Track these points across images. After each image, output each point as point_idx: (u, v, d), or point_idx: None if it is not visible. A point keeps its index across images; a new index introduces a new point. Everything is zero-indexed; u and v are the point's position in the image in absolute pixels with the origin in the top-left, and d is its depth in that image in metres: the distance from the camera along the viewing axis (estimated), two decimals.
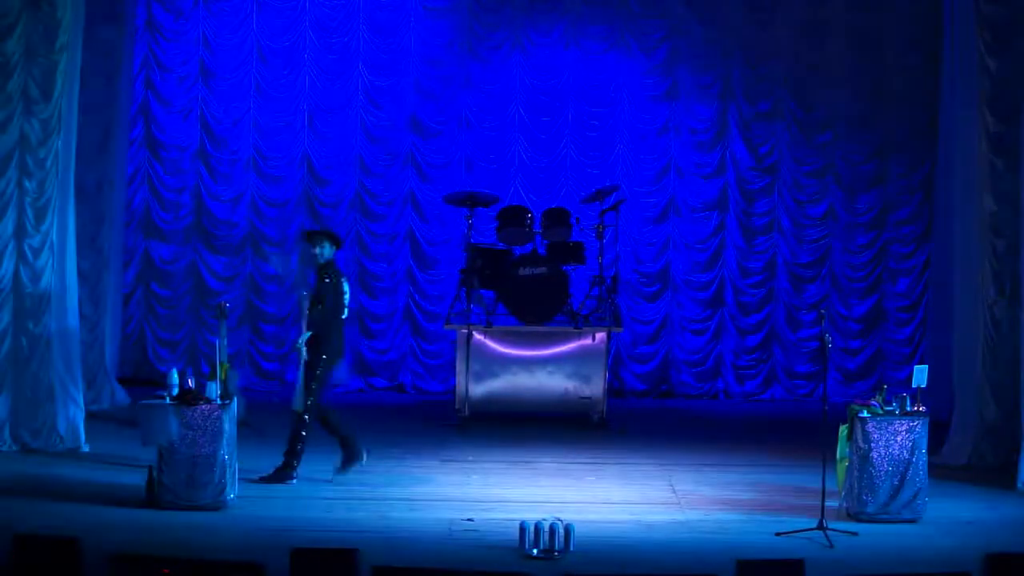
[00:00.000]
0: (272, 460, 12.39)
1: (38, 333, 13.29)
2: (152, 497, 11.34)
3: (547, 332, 15.23)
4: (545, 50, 17.10)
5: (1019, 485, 12.45)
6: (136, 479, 11.67)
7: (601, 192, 15.51)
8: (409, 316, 17.18)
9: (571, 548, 10.19)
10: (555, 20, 17.08)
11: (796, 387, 17.16)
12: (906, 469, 11.30)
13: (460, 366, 15.20)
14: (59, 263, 13.39)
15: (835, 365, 16.92)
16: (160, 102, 17.06)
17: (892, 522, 11.22)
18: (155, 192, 17.10)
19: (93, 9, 14.20)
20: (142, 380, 16.26)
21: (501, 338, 15.24)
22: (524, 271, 15.09)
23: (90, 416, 13.85)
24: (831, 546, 10.58)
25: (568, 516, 10.48)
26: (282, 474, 12.21)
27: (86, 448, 13.32)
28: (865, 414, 11.38)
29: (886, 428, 11.32)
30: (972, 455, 13.44)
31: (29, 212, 13.26)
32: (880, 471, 11.30)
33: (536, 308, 15.13)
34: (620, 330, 15.67)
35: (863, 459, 11.30)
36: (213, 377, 11.57)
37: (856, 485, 11.32)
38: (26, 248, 13.27)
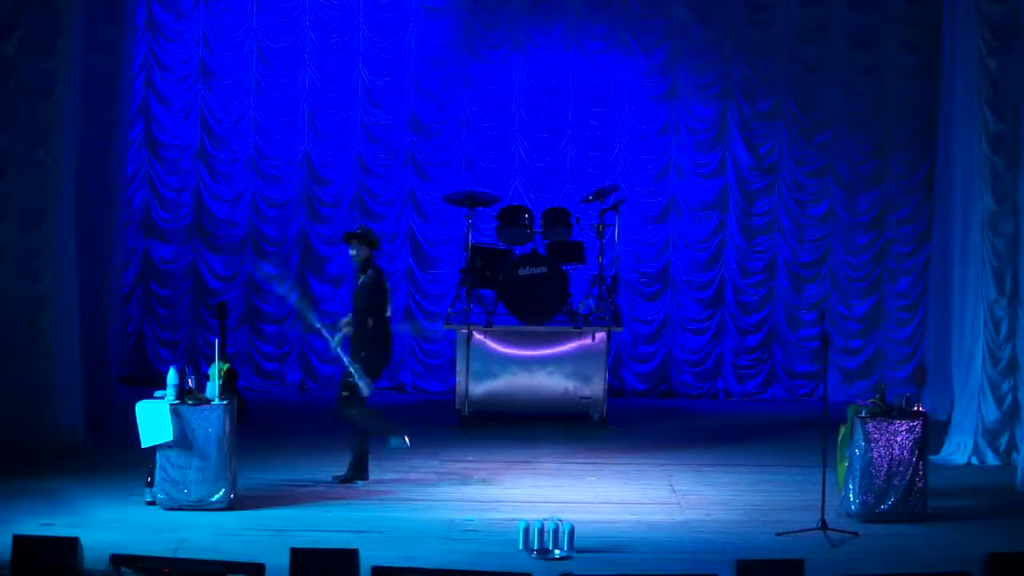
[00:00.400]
0: (272, 460, 12.38)
1: (38, 333, 13.29)
2: (152, 497, 11.33)
3: (547, 332, 15.23)
4: (545, 50, 17.10)
5: (1019, 485, 12.45)
6: (136, 479, 11.66)
7: (601, 192, 15.51)
8: (409, 316, 17.18)
9: (571, 548, 10.19)
10: (555, 20, 17.08)
11: (796, 387, 17.16)
12: (906, 469, 11.30)
13: (460, 366, 15.20)
14: (59, 263, 13.38)
15: (835, 365, 16.91)
16: (160, 102, 17.06)
17: (892, 522, 11.21)
18: (155, 192, 17.11)
19: (93, 9, 14.20)
20: (142, 380, 16.25)
21: (501, 338, 15.24)
22: (524, 271, 15.09)
23: (90, 416, 13.84)
24: (831, 546, 10.58)
25: (568, 516, 10.47)
26: (353, 477, 12.25)
27: (86, 448, 13.32)
28: (865, 414, 11.38)
29: (886, 428, 11.32)
30: (972, 455, 13.44)
31: (29, 212, 13.26)
32: (880, 471, 11.29)
33: (536, 308, 15.13)
34: (620, 330, 15.67)
35: (863, 459, 11.30)
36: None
37: (856, 485, 11.31)
38: (26, 248, 13.27)
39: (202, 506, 11.22)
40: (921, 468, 11.33)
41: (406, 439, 12.38)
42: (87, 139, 14.52)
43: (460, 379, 15.19)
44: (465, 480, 12.61)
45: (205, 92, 17.06)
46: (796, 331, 17.19)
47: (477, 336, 15.16)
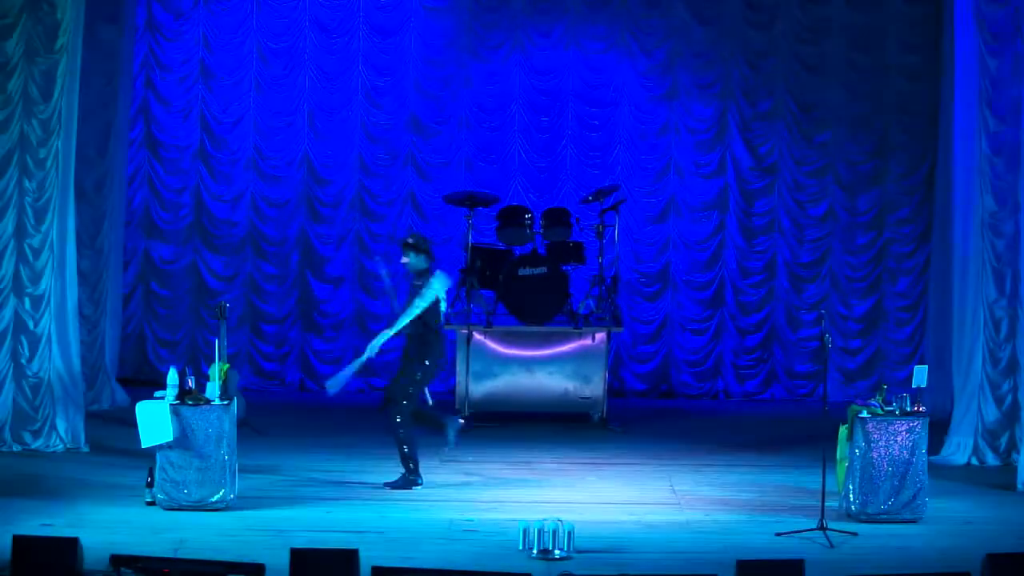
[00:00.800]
0: (272, 460, 12.37)
1: (38, 333, 13.29)
2: (152, 497, 11.33)
3: (547, 332, 15.23)
4: (545, 50, 17.10)
5: (1019, 485, 12.45)
6: (136, 479, 11.67)
7: (601, 192, 15.51)
8: None
9: (571, 548, 10.18)
10: (555, 20, 17.07)
11: (796, 387, 17.16)
12: (906, 469, 11.30)
13: (460, 366, 15.21)
14: (59, 263, 13.38)
15: (835, 365, 16.91)
16: (160, 102, 17.06)
17: (892, 522, 11.21)
18: (155, 192, 17.10)
19: (93, 9, 14.19)
20: (142, 380, 16.24)
21: (501, 338, 15.24)
22: (524, 271, 15.09)
23: (90, 416, 13.85)
24: (831, 546, 10.57)
25: (568, 516, 10.46)
26: (408, 480, 12.18)
27: (86, 448, 13.32)
28: (865, 414, 11.37)
29: (886, 428, 11.32)
30: (972, 455, 13.44)
31: (29, 212, 13.26)
32: (880, 471, 11.29)
33: (536, 308, 15.13)
34: (620, 330, 15.67)
35: (863, 459, 11.30)
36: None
37: (856, 485, 11.31)
38: (26, 248, 13.27)
39: (202, 506, 11.21)
40: (921, 468, 11.33)
41: (459, 419, 12.57)
42: (87, 139, 14.52)
43: (460, 379, 15.21)
44: (465, 480, 12.61)
45: (205, 92, 17.06)
46: (796, 331, 17.19)
47: (477, 336, 15.17)
